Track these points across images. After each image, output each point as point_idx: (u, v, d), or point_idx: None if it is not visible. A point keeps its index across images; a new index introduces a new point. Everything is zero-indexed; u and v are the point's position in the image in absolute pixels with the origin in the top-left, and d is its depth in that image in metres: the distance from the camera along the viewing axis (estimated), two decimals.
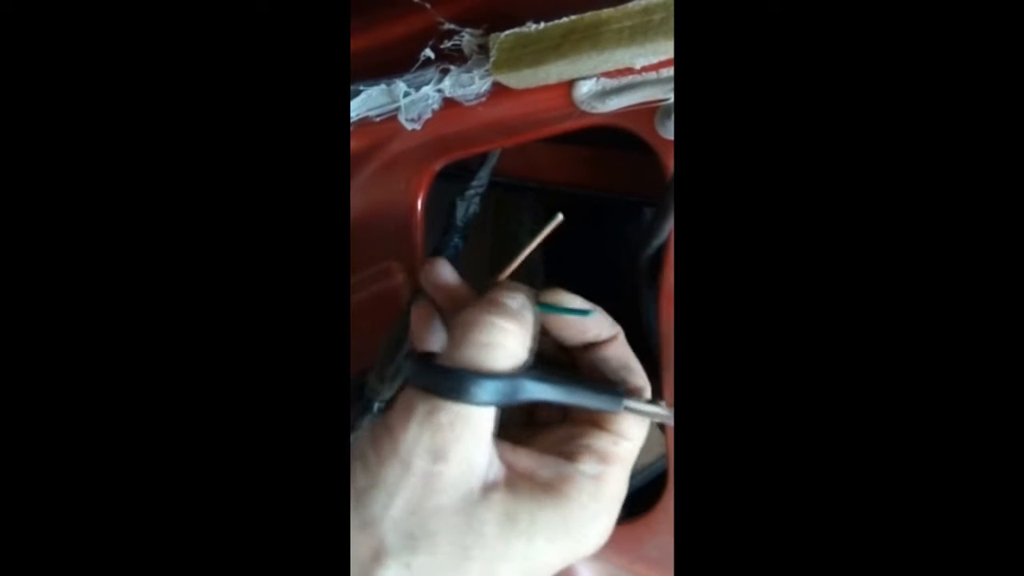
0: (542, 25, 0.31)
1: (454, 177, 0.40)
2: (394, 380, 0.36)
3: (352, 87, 0.36)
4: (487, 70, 0.33)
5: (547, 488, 0.26)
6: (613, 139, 0.35)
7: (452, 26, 0.33)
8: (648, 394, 0.30)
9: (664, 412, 0.28)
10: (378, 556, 0.24)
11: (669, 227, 0.32)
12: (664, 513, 0.33)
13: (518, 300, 0.28)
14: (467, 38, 0.33)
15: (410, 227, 0.38)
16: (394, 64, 0.35)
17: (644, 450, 0.39)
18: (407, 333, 0.34)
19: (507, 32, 0.31)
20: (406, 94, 0.35)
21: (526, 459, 0.27)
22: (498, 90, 0.34)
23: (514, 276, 0.30)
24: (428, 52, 0.34)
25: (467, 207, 0.39)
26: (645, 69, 0.31)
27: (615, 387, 0.29)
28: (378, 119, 0.36)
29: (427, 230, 0.39)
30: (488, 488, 0.25)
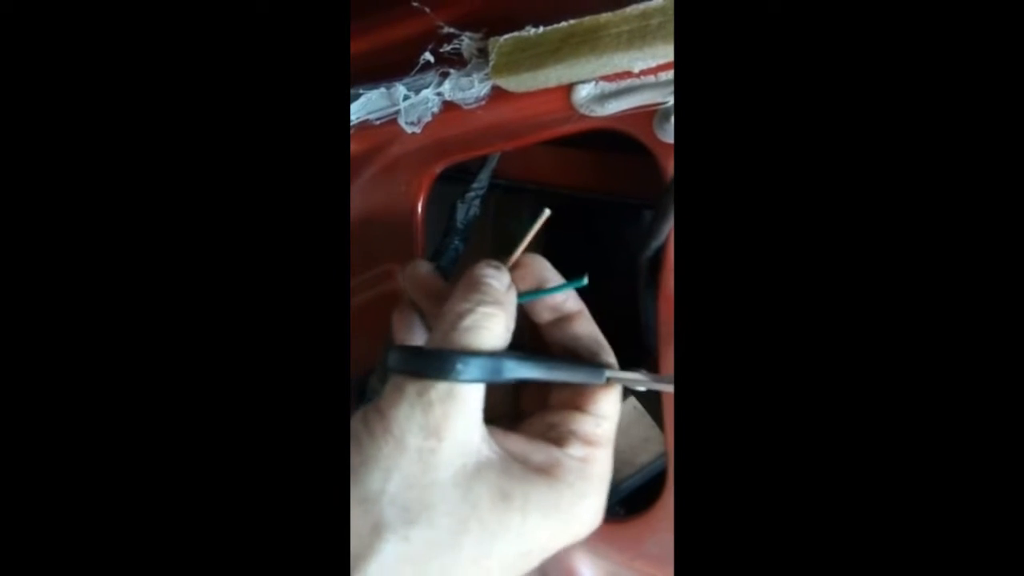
0: (541, 29, 0.31)
1: (454, 180, 0.41)
2: None
3: (352, 90, 0.37)
4: (486, 74, 0.33)
5: (539, 470, 0.27)
6: (613, 142, 0.35)
7: (451, 30, 0.34)
8: (617, 368, 0.30)
9: (644, 377, 0.29)
10: (377, 530, 0.24)
11: (667, 229, 0.32)
12: (664, 511, 0.34)
13: (503, 280, 0.29)
14: (466, 42, 0.34)
15: (410, 230, 0.39)
16: (394, 68, 0.35)
17: (643, 449, 0.40)
18: None
19: (506, 36, 0.32)
20: (406, 97, 0.35)
21: (517, 443, 0.28)
22: (497, 94, 0.34)
23: None
24: (428, 56, 0.34)
25: (467, 209, 0.39)
26: (643, 73, 0.31)
27: (589, 360, 0.30)
28: (378, 122, 0.37)
29: (427, 233, 0.39)
30: (482, 466, 0.26)
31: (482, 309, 0.27)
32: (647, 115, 0.32)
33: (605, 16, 0.30)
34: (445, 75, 0.35)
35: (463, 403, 0.25)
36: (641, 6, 0.29)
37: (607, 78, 0.32)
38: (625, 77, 0.32)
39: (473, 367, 0.26)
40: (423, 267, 0.33)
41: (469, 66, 0.34)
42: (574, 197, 0.47)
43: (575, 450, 0.28)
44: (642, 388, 0.30)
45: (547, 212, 0.30)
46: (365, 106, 0.37)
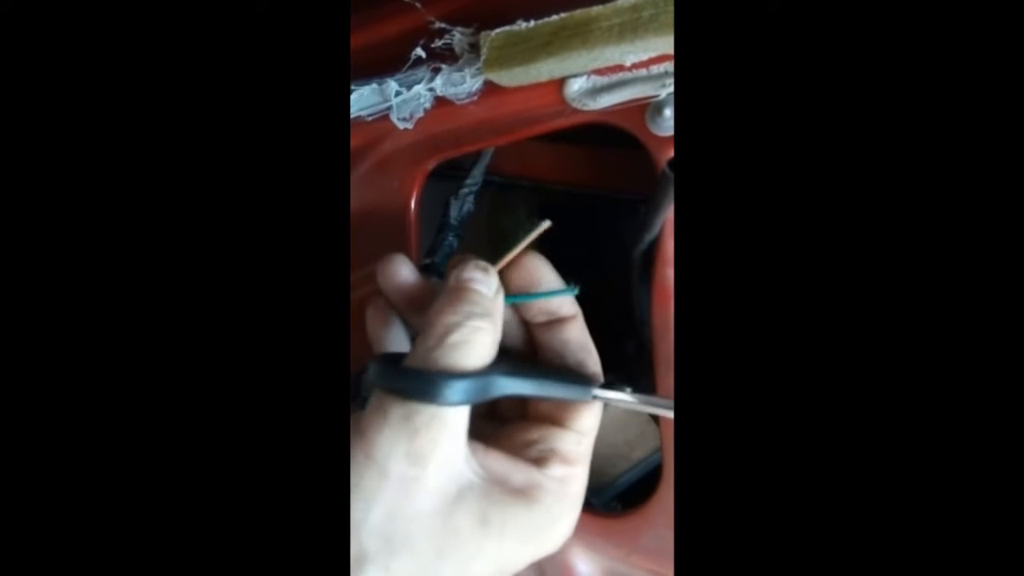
0: (532, 23, 0.31)
1: (448, 176, 0.41)
2: None
3: None
4: (478, 68, 0.33)
5: (518, 494, 0.27)
6: (606, 137, 0.35)
7: (443, 25, 0.33)
8: (601, 380, 0.30)
9: (629, 398, 0.29)
10: (358, 561, 0.24)
11: (661, 222, 0.32)
12: (660, 505, 0.34)
13: (490, 284, 0.28)
14: (458, 37, 0.34)
15: (404, 227, 0.39)
16: (385, 63, 0.35)
17: (639, 444, 0.40)
18: None
19: (498, 30, 0.32)
20: (397, 93, 0.35)
21: (498, 463, 0.27)
22: (489, 88, 0.34)
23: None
24: (419, 51, 0.34)
25: (461, 206, 0.39)
26: (635, 66, 0.31)
27: (576, 372, 0.29)
28: (370, 118, 0.37)
29: (421, 229, 0.39)
30: (463, 491, 0.25)
31: (470, 323, 0.26)
32: (639, 108, 0.32)
33: (596, 9, 0.30)
34: (437, 70, 0.34)
35: (449, 427, 0.25)
36: None
37: (599, 72, 0.32)
38: (617, 71, 0.32)
39: (461, 389, 0.25)
40: (402, 268, 0.31)
41: (461, 61, 0.34)
42: (568, 193, 0.47)
43: (555, 470, 0.28)
44: (626, 407, 0.29)
45: (546, 223, 0.29)
46: (357, 102, 0.36)
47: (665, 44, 0.29)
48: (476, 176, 0.40)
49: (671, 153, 0.32)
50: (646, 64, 0.31)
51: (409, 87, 0.35)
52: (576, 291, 0.29)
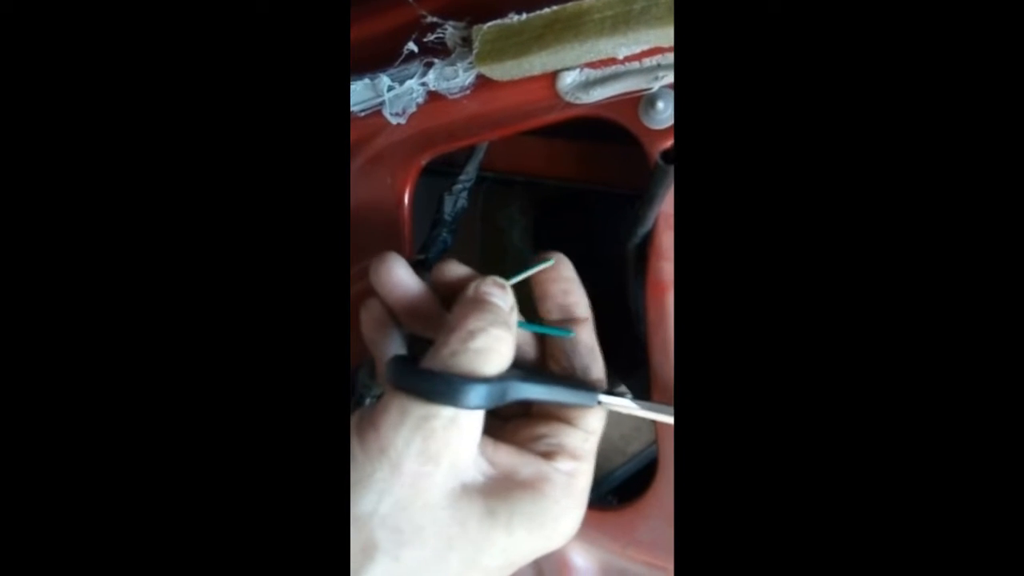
0: (524, 16, 0.31)
1: (441, 172, 0.40)
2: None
3: None
4: (471, 62, 0.33)
5: (526, 486, 0.27)
6: (600, 132, 0.35)
7: (435, 19, 0.33)
8: (605, 385, 0.31)
9: (632, 404, 0.29)
10: (367, 551, 0.24)
11: (654, 216, 0.32)
12: (655, 498, 0.34)
13: (507, 300, 0.29)
14: (450, 31, 0.34)
15: (397, 223, 0.38)
16: (377, 58, 0.35)
17: (634, 438, 0.40)
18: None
19: (490, 24, 0.31)
20: (390, 88, 0.35)
21: (507, 456, 0.28)
22: (482, 83, 0.34)
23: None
24: (411, 46, 0.34)
25: (455, 201, 0.39)
26: (628, 59, 0.31)
27: (581, 377, 0.31)
28: (362, 114, 0.36)
29: (415, 225, 0.39)
30: (472, 484, 0.26)
31: (494, 331, 0.27)
32: (632, 101, 0.32)
33: (588, 2, 0.30)
34: (429, 65, 0.34)
35: (465, 430, 0.25)
36: None
37: (592, 65, 0.32)
38: (610, 63, 0.32)
39: (480, 393, 0.25)
40: (399, 270, 0.30)
41: (453, 55, 0.34)
42: (563, 187, 0.47)
43: (563, 464, 0.28)
44: (629, 412, 0.30)
45: (551, 261, 0.31)
46: (350, 98, 0.36)
47: (657, 37, 0.29)
48: (470, 172, 0.39)
49: (664, 146, 0.32)
50: (639, 57, 0.31)
51: (401, 82, 0.35)
52: (571, 334, 0.31)
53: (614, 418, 0.40)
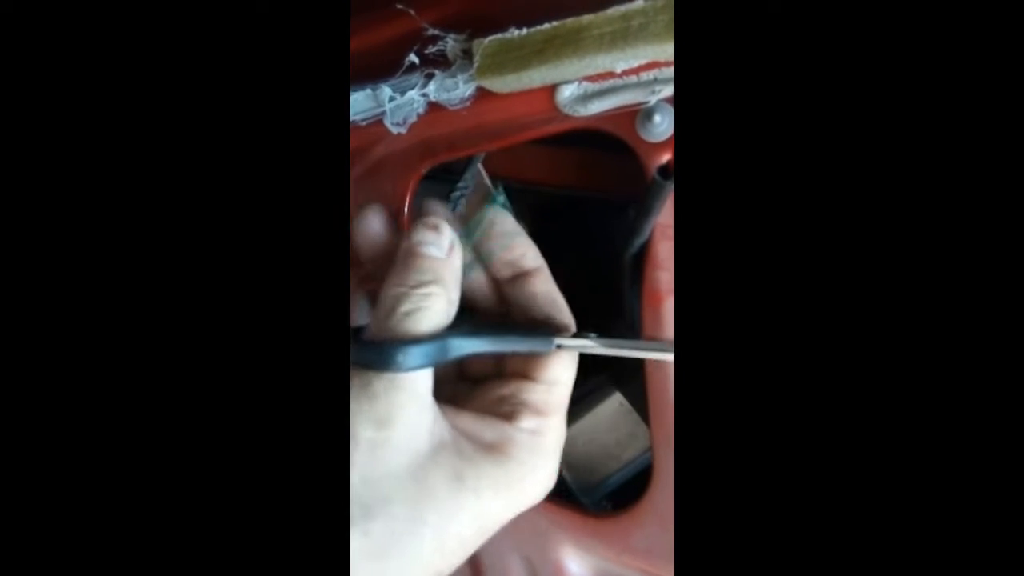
0: (525, 31, 0.31)
1: (440, 179, 0.41)
2: None
3: None
4: (471, 75, 0.33)
5: (490, 449, 0.27)
6: (597, 140, 0.36)
7: (436, 32, 0.34)
8: (574, 329, 0.30)
9: (593, 344, 0.28)
10: None
11: (651, 226, 0.33)
12: (650, 505, 0.34)
13: (441, 244, 0.28)
14: (451, 44, 0.34)
15: (397, 230, 0.39)
16: (379, 69, 0.36)
17: (629, 445, 0.40)
18: None
19: (491, 38, 0.32)
20: (391, 98, 0.35)
21: (469, 421, 0.27)
22: (482, 94, 0.34)
23: None
24: (413, 57, 0.34)
25: (453, 208, 0.40)
26: (626, 73, 0.32)
27: (543, 327, 0.29)
28: (364, 123, 0.37)
29: None
30: (435, 450, 0.26)
31: (420, 291, 0.26)
32: (630, 114, 0.32)
33: (587, 18, 0.30)
34: (430, 76, 0.35)
35: (410, 390, 0.25)
36: (622, 8, 0.30)
37: (590, 78, 0.33)
38: (608, 77, 0.32)
39: (415, 354, 0.25)
40: (374, 221, 0.30)
41: (454, 67, 0.34)
42: (560, 195, 0.48)
43: (526, 422, 0.28)
44: (590, 352, 0.29)
45: (500, 199, 0.30)
46: (351, 107, 0.37)
47: (654, 52, 0.30)
48: (468, 179, 0.40)
49: (661, 159, 0.32)
50: (636, 71, 0.32)
51: (403, 92, 0.35)
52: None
53: (609, 424, 0.40)
